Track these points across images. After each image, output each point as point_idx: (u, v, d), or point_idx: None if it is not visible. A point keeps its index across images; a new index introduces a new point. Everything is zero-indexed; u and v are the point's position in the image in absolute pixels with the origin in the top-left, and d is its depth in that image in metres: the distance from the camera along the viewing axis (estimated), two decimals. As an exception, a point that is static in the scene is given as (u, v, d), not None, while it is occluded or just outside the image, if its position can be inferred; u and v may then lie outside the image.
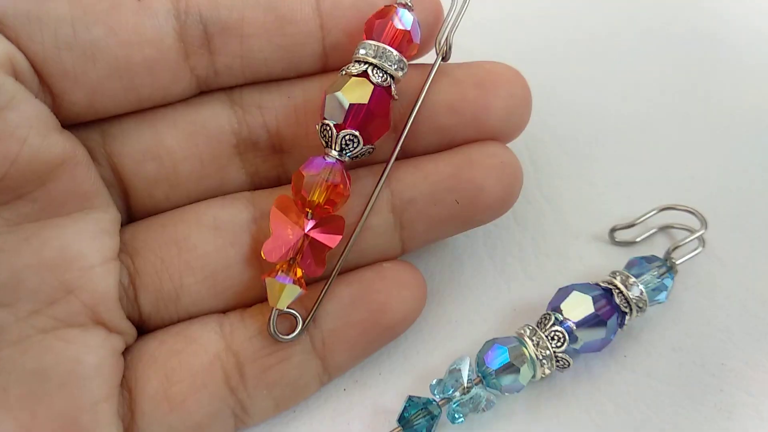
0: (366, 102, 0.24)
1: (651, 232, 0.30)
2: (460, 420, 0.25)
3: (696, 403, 0.27)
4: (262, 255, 0.23)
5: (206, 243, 0.24)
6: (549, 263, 0.29)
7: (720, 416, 0.26)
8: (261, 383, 0.23)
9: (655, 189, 0.31)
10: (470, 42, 0.31)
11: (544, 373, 0.26)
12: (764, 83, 0.33)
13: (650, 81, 0.34)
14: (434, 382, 0.25)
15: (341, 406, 0.26)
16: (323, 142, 0.24)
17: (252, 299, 0.25)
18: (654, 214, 0.29)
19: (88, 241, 0.23)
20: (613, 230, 0.29)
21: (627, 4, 0.36)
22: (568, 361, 0.26)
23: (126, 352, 0.24)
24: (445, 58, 0.26)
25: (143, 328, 0.24)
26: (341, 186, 0.24)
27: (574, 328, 0.26)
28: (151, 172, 0.24)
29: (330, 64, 0.26)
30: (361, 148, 0.24)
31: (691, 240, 0.28)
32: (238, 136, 0.25)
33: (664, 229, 0.30)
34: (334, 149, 0.24)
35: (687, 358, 0.27)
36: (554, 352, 0.25)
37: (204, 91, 0.25)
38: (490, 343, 0.26)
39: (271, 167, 0.26)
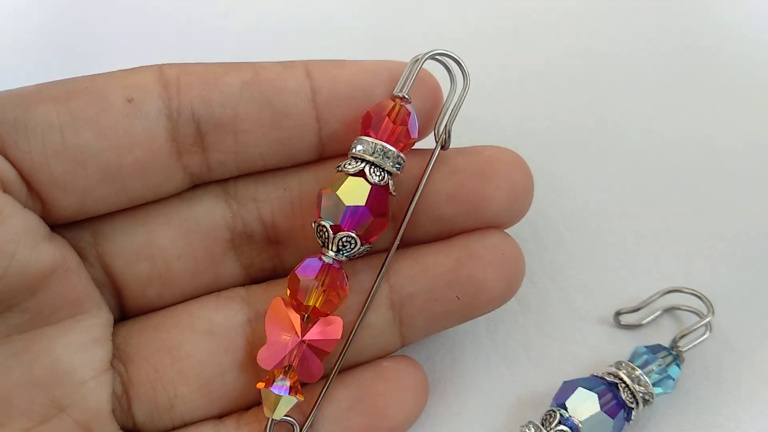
0: (363, 203, 0.23)
1: (656, 314, 0.29)
2: None
3: (706, 499, 0.26)
4: (258, 362, 0.23)
5: (200, 351, 0.23)
6: (553, 347, 0.29)
7: None
8: None
9: (662, 266, 0.30)
10: (471, 110, 0.30)
11: (548, 474, 0.25)
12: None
13: (655, 152, 0.33)
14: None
15: None
16: (320, 242, 0.23)
17: (248, 403, 0.24)
18: (659, 297, 0.29)
19: (80, 353, 0.22)
20: (618, 314, 0.29)
21: (628, 71, 0.35)
22: (573, 462, 0.25)
23: None
24: (444, 147, 0.25)
25: None
26: (339, 288, 0.23)
27: (580, 426, 0.25)
28: (144, 272, 0.24)
29: (326, 153, 0.25)
30: (359, 249, 0.23)
31: (698, 327, 0.28)
32: (233, 231, 0.24)
33: (670, 310, 0.29)
34: (331, 249, 0.23)
35: (696, 451, 0.27)
36: (560, 453, 0.25)
37: (197, 184, 0.25)
38: (493, 445, 0.25)
39: (267, 259, 0.26)
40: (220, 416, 0.24)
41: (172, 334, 0.23)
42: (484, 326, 0.29)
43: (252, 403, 0.24)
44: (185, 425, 0.24)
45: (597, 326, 0.29)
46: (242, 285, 0.25)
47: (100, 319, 0.23)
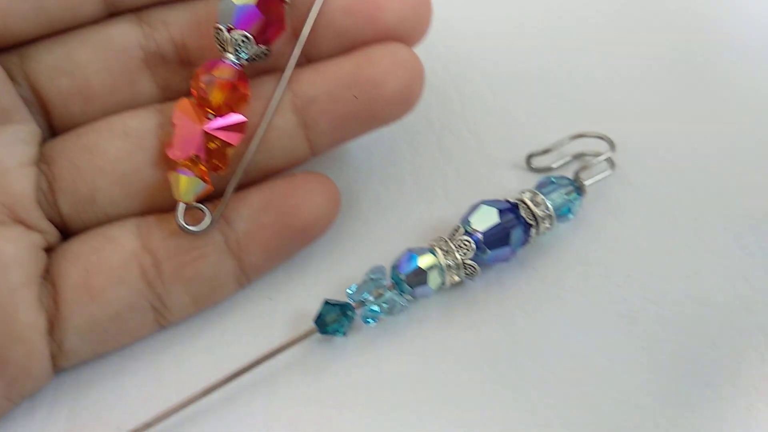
0: (254, 2, 0.25)
1: (566, 160, 0.32)
2: (371, 323, 0.27)
3: (600, 310, 0.28)
4: (168, 155, 0.25)
5: (116, 148, 0.26)
6: (469, 188, 0.31)
7: (622, 321, 0.28)
8: (177, 279, 0.26)
9: (575, 120, 0.33)
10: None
11: (453, 280, 0.28)
12: (679, 18, 0.35)
13: (570, 18, 0.35)
14: (351, 287, 0.27)
15: (265, 311, 0.28)
16: (219, 47, 0.26)
17: (167, 203, 0.26)
18: (568, 141, 0.31)
19: (5, 148, 0.25)
20: (529, 157, 0.31)
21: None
22: (475, 268, 0.28)
23: (50, 251, 0.26)
24: None
25: (66, 231, 0.26)
26: (239, 85, 0.25)
27: (482, 238, 0.27)
28: (65, 87, 0.26)
29: None
30: (256, 49, 0.26)
31: (599, 162, 0.30)
32: (146, 50, 0.27)
33: (579, 156, 0.32)
34: (229, 51, 0.26)
35: (594, 270, 0.29)
36: (462, 260, 0.27)
37: (113, 13, 0.27)
38: (404, 252, 0.28)
39: (181, 80, 0.28)
40: (143, 215, 0.27)
41: (92, 137, 0.26)
42: (408, 171, 0.32)
43: (171, 204, 0.26)
44: (110, 221, 0.26)
45: (511, 170, 0.32)
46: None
47: (28, 128, 0.26)
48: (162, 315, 0.26)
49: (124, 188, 0.26)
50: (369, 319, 0.27)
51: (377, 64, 0.26)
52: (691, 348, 0.28)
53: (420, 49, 0.35)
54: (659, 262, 0.29)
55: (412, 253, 0.27)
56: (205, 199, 0.26)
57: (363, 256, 0.29)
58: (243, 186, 0.27)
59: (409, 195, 0.31)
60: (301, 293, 0.28)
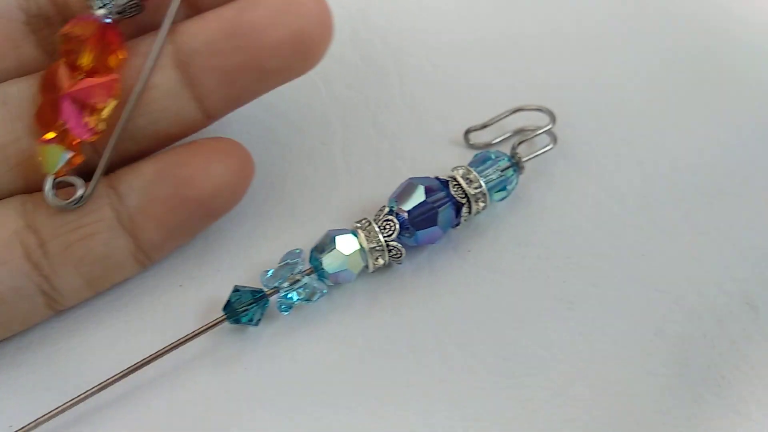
0: None
1: (506, 135, 0.30)
2: (285, 311, 0.25)
3: (537, 294, 0.26)
4: (36, 125, 0.23)
5: None
6: (404, 166, 0.29)
7: (561, 306, 0.26)
8: (66, 260, 0.24)
9: (521, 95, 0.31)
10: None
11: (377, 263, 0.26)
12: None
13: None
14: (265, 272, 0.25)
15: (176, 300, 0.26)
16: (88, 3, 0.24)
17: None
18: (507, 115, 0.29)
19: None
20: (467, 132, 0.29)
21: None
22: (400, 250, 0.26)
23: None
24: None
25: None
26: (108, 40, 0.23)
27: (407, 218, 0.26)
28: None
29: None
30: (125, 1, 0.24)
31: (537, 135, 0.28)
32: (28, 12, 0.25)
33: (520, 132, 0.30)
34: (97, 6, 0.24)
35: (532, 252, 0.27)
36: (386, 241, 0.25)
37: None
38: (325, 234, 0.26)
39: None
40: (30, 191, 0.25)
41: None
42: (339, 149, 0.30)
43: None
44: None
45: (449, 147, 0.30)
46: None
47: None
48: (53, 299, 0.24)
49: (4, 160, 0.24)
50: (284, 307, 0.25)
51: (261, 6, 0.23)
52: (634, 334, 0.26)
53: (357, 21, 0.34)
54: (603, 243, 0.27)
55: (333, 235, 0.25)
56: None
57: (286, 240, 0.27)
58: (137, 157, 0.25)
59: (339, 175, 0.29)
60: (215, 280, 0.26)
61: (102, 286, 0.25)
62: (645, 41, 0.32)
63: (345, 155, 0.30)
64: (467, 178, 0.27)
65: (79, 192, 0.24)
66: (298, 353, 0.25)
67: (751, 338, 0.26)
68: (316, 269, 0.25)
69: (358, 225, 0.26)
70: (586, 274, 0.27)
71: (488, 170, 0.27)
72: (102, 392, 0.24)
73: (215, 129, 0.27)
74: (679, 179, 0.29)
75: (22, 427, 0.23)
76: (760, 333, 0.26)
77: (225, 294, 0.25)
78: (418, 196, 0.26)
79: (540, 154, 0.28)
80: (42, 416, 0.23)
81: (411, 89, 0.31)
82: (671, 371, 0.25)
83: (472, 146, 0.29)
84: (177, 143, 0.25)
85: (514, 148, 0.28)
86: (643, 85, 0.31)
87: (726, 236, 0.28)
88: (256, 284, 0.26)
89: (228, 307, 0.25)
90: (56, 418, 0.23)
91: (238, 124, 0.30)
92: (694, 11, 0.33)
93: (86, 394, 0.24)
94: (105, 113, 0.23)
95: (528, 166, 0.28)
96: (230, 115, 0.26)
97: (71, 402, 0.23)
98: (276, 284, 0.25)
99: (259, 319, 0.25)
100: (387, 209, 0.26)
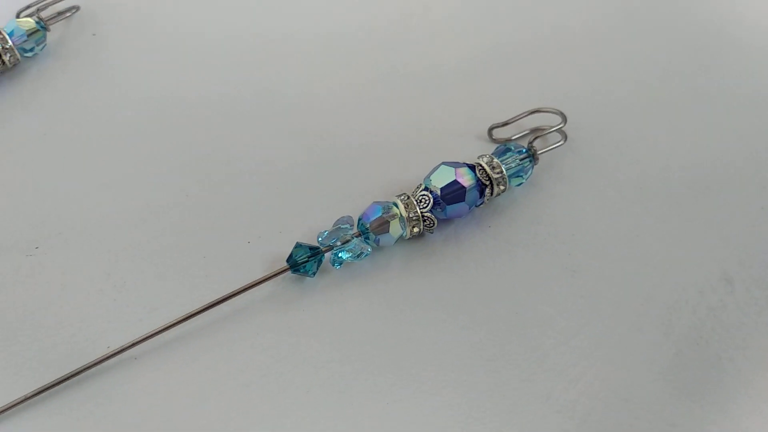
0: None
1: (524, 132, 0.35)
2: (337, 266, 0.30)
3: (546, 263, 0.31)
4: None
5: None
6: (438, 156, 0.34)
7: (565, 273, 0.31)
8: None
9: (535, 99, 0.36)
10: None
11: (413, 232, 0.31)
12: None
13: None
14: (322, 233, 0.31)
15: (245, 255, 0.31)
16: None
17: None
18: (526, 115, 0.34)
19: None
20: (491, 128, 0.35)
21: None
22: (433, 220, 0.31)
23: None
24: None
25: None
26: None
27: (440, 194, 0.31)
28: None
29: None
30: None
31: (550, 132, 0.33)
32: None
33: (535, 130, 0.35)
34: None
35: (542, 229, 0.32)
36: (421, 212, 0.31)
37: None
38: (371, 204, 0.31)
39: None
40: None
41: None
42: (386, 145, 0.35)
43: None
44: None
45: (475, 141, 0.35)
46: None
47: None
48: None
49: None
50: (336, 263, 0.30)
51: None
52: (627, 300, 0.31)
53: (387, 33, 0.39)
54: (602, 224, 0.33)
55: (377, 205, 0.31)
56: None
57: (339, 208, 0.32)
58: None
59: (385, 161, 0.34)
60: (278, 241, 0.32)
61: None
62: (646, 57, 0.38)
63: (390, 147, 0.35)
64: (491, 165, 0.32)
65: None
66: (345, 301, 0.30)
67: (726, 307, 0.31)
68: (363, 233, 0.30)
69: (398, 198, 0.31)
70: (587, 248, 0.32)
71: (508, 159, 0.32)
72: (190, 320, 0.29)
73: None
74: (670, 174, 0.34)
75: (119, 348, 0.28)
76: (734, 303, 0.31)
77: (286, 251, 0.31)
78: (450, 177, 0.31)
79: (552, 149, 0.33)
80: (141, 337, 0.28)
81: (444, 93, 0.37)
82: (658, 330, 0.30)
83: (494, 140, 0.35)
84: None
85: (530, 143, 0.33)
86: (641, 94, 0.36)
87: (708, 223, 0.33)
88: (310, 240, 0.31)
89: (290, 259, 0.30)
90: (156, 337, 0.28)
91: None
92: (694, 19, 0.39)
93: (175, 322, 0.29)
94: None
95: (541, 159, 0.33)
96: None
97: (165, 326, 0.28)
98: (330, 242, 0.30)
99: (315, 272, 0.30)
100: (423, 186, 0.31)
